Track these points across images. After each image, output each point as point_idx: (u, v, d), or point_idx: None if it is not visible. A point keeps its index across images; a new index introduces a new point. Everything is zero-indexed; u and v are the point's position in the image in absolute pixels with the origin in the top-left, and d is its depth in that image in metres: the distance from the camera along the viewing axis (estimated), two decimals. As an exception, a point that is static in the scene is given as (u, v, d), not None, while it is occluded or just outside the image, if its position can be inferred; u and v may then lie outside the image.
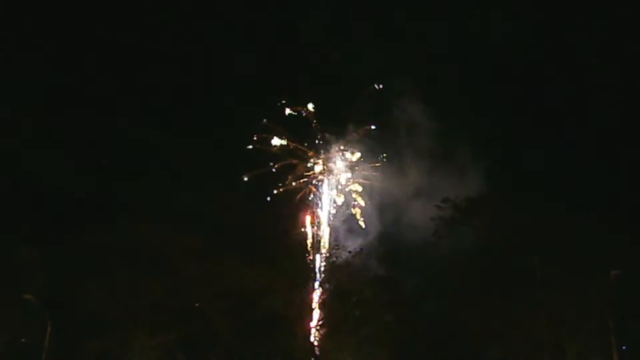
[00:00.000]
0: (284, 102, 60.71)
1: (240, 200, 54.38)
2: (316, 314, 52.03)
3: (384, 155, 61.19)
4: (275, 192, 59.59)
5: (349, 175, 61.15)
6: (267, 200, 59.05)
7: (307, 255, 56.58)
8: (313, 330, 51.79)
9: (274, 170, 59.95)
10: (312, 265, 55.66)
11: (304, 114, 60.73)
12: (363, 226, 60.94)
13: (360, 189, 61.19)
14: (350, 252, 51.92)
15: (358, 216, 61.17)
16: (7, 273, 48.21)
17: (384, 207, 59.60)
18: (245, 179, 59.22)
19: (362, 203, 61.38)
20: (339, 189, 60.58)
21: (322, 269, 54.77)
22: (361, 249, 52.90)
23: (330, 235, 58.84)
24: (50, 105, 57.71)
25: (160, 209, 52.25)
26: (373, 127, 61.32)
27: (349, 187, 61.22)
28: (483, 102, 60.80)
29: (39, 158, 53.23)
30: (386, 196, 59.34)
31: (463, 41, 63.20)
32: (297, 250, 54.08)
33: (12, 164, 52.52)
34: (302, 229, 58.74)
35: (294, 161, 60.45)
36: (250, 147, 59.72)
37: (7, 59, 56.55)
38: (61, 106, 58.23)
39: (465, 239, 51.08)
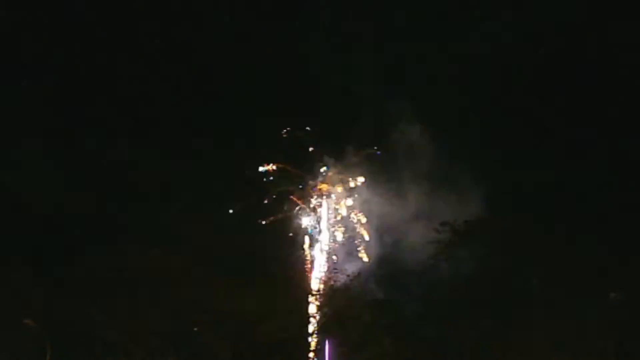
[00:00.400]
0: (285, 130, 61.21)
1: (238, 224, 54.69)
2: (314, 337, 51.93)
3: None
4: (271, 218, 59.32)
5: (350, 202, 60.89)
6: (264, 224, 58.73)
7: (305, 279, 56.47)
8: (311, 355, 51.68)
9: (265, 202, 59.84)
10: (310, 289, 55.37)
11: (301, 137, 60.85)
12: (365, 259, 60.52)
13: (364, 220, 60.97)
14: (348, 275, 51.95)
15: (362, 252, 60.54)
16: (6, 296, 48.57)
17: (383, 230, 59.21)
18: (231, 211, 59.06)
19: (367, 237, 60.92)
20: (336, 217, 60.49)
21: (321, 292, 54.45)
22: (359, 272, 52.92)
23: (328, 259, 58.54)
24: (50, 125, 58.01)
25: (160, 232, 52.62)
26: (377, 151, 61.43)
27: (353, 217, 60.97)
28: (484, 124, 60.09)
29: (39, 179, 53.47)
30: (385, 219, 59.03)
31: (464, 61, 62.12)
32: (295, 274, 54.23)
33: (11, 184, 53.06)
34: (301, 253, 58.74)
35: (290, 188, 60.47)
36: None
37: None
38: (61, 126, 58.45)
39: (465, 263, 51.09)
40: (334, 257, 57.81)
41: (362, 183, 60.96)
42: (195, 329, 50.22)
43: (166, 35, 63.70)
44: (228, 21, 67.94)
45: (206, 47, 63.92)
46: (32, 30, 60.77)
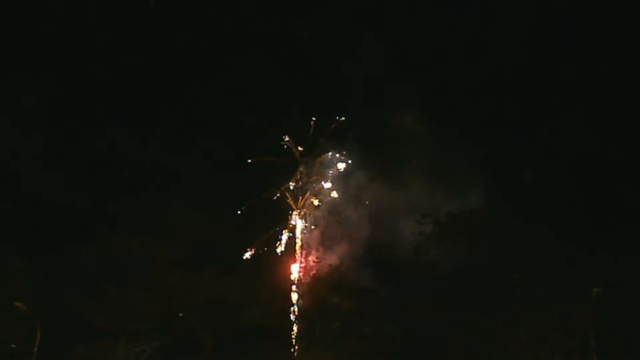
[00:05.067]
0: (287, 139, 60.65)
1: (223, 211, 54.29)
2: (296, 325, 51.52)
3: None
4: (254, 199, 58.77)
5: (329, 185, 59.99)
6: (248, 209, 58.18)
7: (288, 267, 55.99)
8: (293, 342, 51.29)
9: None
10: (292, 277, 54.91)
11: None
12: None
13: (316, 203, 60.01)
14: (330, 264, 51.17)
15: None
16: (-1, 280, 49.11)
17: (368, 219, 58.24)
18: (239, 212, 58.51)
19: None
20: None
21: (303, 280, 53.90)
22: (341, 261, 52.09)
23: (310, 246, 57.90)
24: (44, 118, 58.15)
25: (147, 220, 52.57)
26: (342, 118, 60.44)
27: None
28: (475, 116, 58.61)
29: (32, 171, 53.79)
30: (371, 208, 58.04)
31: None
32: (277, 262, 53.84)
33: (4, 176, 53.44)
34: (283, 239, 58.16)
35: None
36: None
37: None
38: (54, 119, 58.61)
39: (448, 255, 49.88)
40: (317, 247, 57.30)
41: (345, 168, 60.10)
42: (180, 314, 50.24)
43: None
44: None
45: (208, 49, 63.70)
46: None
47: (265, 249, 55.99)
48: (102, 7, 63.08)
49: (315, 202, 58.91)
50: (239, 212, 57.77)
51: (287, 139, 60.33)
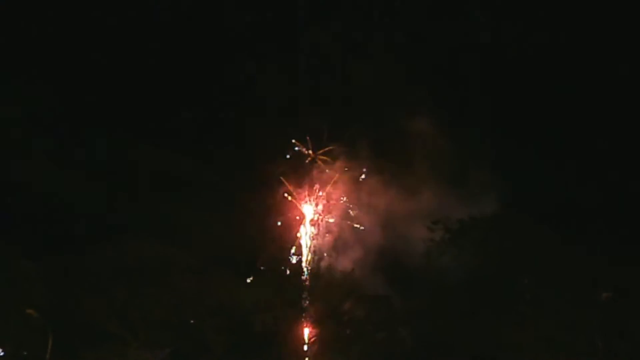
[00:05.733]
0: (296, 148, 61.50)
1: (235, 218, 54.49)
2: (308, 331, 51.55)
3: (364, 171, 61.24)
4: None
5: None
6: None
7: (300, 273, 56.27)
8: (305, 348, 51.27)
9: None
10: (304, 284, 55.13)
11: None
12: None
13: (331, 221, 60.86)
14: (341, 271, 51.58)
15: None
16: (9, 286, 48.86)
17: (380, 224, 58.67)
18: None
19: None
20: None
21: (315, 287, 54.09)
22: (353, 268, 52.50)
23: (321, 253, 58.34)
24: (57, 120, 58.27)
25: (158, 226, 52.68)
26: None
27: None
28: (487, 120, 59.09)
29: (44, 174, 53.72)
30: (383, 214, 58.51)
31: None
32: (290, 268, 54.16)
33: (15, 178, 53.43)
34: (295, 247, 58.56)
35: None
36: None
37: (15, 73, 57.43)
38: (67, 122, 58.71)
39: (459, 260, 50.44)
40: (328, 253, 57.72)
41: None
42: (192, 320, 50.23)
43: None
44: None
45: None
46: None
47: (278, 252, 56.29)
48: (115, 7, 62.84)
49: (332, 221, 59.48)
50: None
51: (298, 145, 60.90)
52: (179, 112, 62.00)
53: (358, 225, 59.82)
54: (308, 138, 61.80)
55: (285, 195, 59.86)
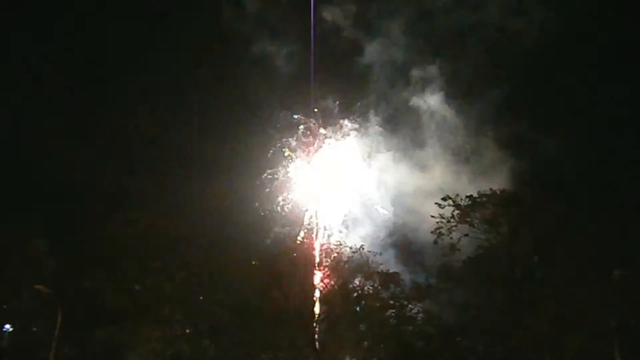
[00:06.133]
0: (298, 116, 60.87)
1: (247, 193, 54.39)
2: (317, 308, 51.37)
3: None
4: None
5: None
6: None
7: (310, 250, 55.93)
8: (314, 325, 51.14)
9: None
10: (313, 259, 54.85)
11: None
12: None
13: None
14: (351, 247, 51.17)
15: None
16: (18, 263, 49.00)
17: (390, 201, 58.28)
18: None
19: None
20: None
21: (324, 263, 53.79)
22: (362, 245, 52.08)
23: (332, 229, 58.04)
24: (65, 99, 58.10)
25: (170, 202, 52.64)
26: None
27: None
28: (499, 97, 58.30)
29: (54, 151, 53.63)
30: (393, 190, 58.08)
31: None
32: (298, 245, 53.79)
33: (23, 156, 53.36)
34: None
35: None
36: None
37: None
38: (77, 100, 58.58)
39: (469, 237, 49.87)
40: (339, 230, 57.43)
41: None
42: (201, 297, 50.20)
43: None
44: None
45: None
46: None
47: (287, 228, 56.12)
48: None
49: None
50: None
51: (307, 120, 60.40)
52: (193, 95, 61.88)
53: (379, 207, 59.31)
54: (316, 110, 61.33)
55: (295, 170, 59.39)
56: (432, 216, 49.14)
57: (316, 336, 50.48)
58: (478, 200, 48.63)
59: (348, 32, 63.35)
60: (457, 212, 48.66)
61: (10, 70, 56.41)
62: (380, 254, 51.33)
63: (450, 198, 48.94)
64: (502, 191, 48.78)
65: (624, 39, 55.68)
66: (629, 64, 55.68)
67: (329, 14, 62.68)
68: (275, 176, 59.01)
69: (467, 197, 48.89)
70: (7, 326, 50.56)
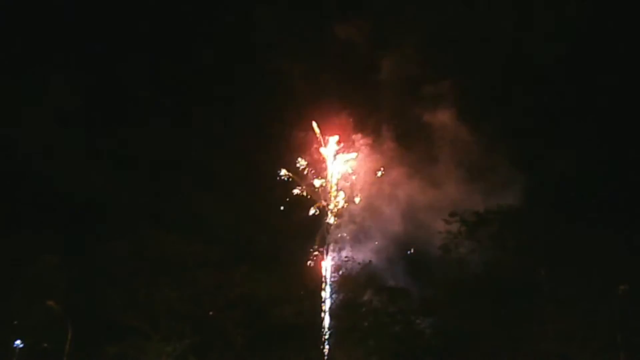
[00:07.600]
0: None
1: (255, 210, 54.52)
2: (326, 323, 51.57)
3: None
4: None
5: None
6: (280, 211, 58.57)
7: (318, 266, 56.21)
8: (323, 340, 51.26)
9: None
10: (322, 276, 55.10)
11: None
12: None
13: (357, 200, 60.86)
14: (359, 263, 51.40)
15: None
16: (30, 279, 49.07)
17: (399, 216, 58.43)
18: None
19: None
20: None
21: (332, 279, 54.05)
22: (370, 260, 52.33)
23: (340, 248, 58.14)
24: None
25: (178, 219, 52.79)
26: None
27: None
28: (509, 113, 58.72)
29: (62, 166, 53.85)
30: (402, 205, 58.25)
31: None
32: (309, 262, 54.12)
33: (35, 171, 53.56)
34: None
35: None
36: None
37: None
38: (87, 115, 58.92)
39: (476, 253, 50.16)
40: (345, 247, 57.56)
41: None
42: (211, 312, 50.26)
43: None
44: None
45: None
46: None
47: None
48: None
49: (357, 200, 59.38)
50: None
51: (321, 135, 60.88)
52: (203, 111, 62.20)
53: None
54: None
55: (305, 187, 59.73)
56: (440, 232, 49.54)
57: (325, 351, 50.81)
58: (484, 216, 49.03)
59: (362, 49, 63.61)
60: (463, 228, 49.04)
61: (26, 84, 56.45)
62: (390, 269, 51.68)
63: (457, 214, 49.31)
64: (509, 208, 49.23)
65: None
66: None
67: (343, 31, 63.00)
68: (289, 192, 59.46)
69: (474, 213, 49.31)
70: (18, 342, 50.50)
